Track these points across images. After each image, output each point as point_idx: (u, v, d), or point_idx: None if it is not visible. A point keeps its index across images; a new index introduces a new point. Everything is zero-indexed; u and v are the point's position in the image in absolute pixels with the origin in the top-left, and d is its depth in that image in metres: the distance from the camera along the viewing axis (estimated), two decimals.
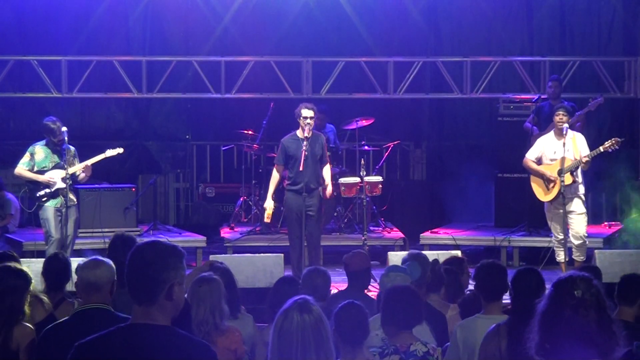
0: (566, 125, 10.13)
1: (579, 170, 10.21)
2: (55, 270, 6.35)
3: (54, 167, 10.17)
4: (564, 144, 10.10)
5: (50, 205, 10.10)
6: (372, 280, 8.20)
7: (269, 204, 10.22)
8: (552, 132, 10.39)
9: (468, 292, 6.90)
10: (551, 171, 10.21)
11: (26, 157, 10.23)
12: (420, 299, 5.40)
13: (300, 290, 6.19)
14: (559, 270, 10.22)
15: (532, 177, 10.52)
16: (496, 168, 13.32)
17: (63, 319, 4.88)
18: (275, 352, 3.58)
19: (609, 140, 10.09)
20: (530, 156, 10.49)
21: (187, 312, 5.13)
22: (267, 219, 10.44)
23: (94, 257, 4.92)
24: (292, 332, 3.54)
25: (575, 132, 10.38)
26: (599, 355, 3.09)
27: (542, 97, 12.47)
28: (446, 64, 14.01)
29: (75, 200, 10.32)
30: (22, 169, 10.22)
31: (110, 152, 10.51)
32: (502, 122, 13.18)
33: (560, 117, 10.22)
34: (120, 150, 10.64)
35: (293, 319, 3.56)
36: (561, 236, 10.23)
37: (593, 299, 3.15)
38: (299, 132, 10.12)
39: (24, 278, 5.33)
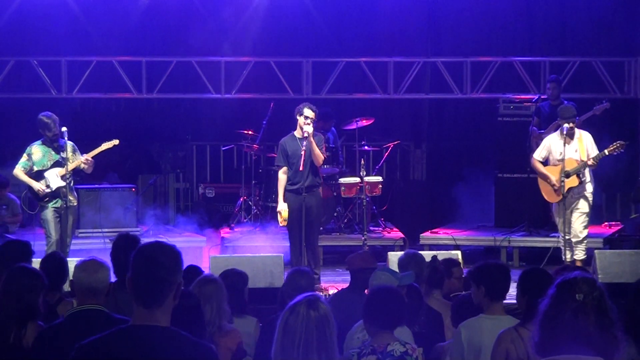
0: (566, 125, 10.12)
1: (587, 170, 10.19)
2: (52, 269, 6.31)
3: (53, 165, 10.14)
4: (564, 144, 10.10)
5: (50, 206, 10.10)
6: None
7: (282, 207, 10.12)
8: (558, 132, 10.35)
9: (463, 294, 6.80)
10: (556, 175, 10.17)
11: (23, 158, 10.19)
12: (404, 300, 5.32)
13: (284, 292, 6.16)
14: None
15: (539, 179, 10.49)
16: (496, 168, 13.31)
17: (57, 320, 4.81)
18: (279, 347, 3.53)
19: (614, 144, 10.08)
20: (537, 156, 10.46)
21: (197, 309, 5.07)
22: (282, 223, 10.25)
23: (91, 258, 4.83)
24: (296, 326, 3.49)
25: (582, 131, 10.33)
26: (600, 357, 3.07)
27: (542, 97, 12.45)
28: (446, 64, 14.00)
29: (75, 201, 10.31)
30: (19, 170, 10.18)
31: (106, 145, 10.37)
32: (502, 122, 13.16)
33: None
34: (116, 141, 10.44)
35: (299, 313, 3.51)
36: (566, 236, 10.24)
37: (594, 303, 3.12)
38: (296, 133, 10.12)
39: (39, 278, 5.30)
